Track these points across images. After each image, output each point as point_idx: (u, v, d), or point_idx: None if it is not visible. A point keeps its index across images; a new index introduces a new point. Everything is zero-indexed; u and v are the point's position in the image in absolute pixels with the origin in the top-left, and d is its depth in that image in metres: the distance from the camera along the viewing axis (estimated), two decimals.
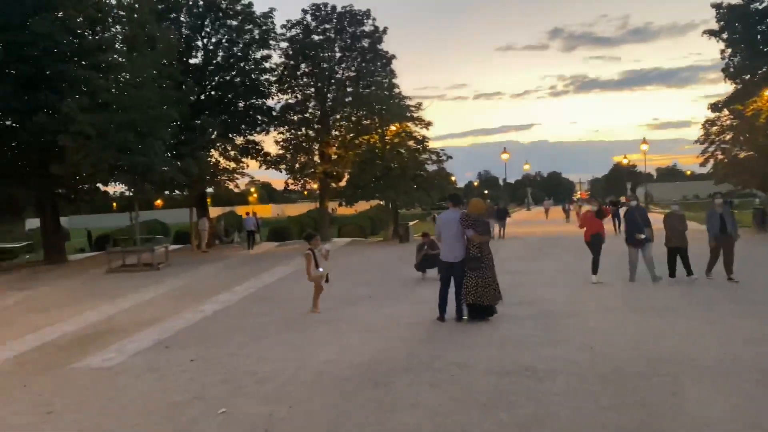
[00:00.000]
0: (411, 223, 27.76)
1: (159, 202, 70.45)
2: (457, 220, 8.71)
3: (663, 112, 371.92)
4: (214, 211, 65.14)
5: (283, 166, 29.63)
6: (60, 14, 20.33)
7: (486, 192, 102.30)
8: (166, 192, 27.04)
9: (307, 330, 8.74)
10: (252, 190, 76.45)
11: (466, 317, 8.75)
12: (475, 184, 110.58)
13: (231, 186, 30.01)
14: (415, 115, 27.47)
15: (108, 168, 18.94)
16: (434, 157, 28.17)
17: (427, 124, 27.51)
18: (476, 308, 8.68)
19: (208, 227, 25.96)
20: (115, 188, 28.58)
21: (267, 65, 29.15)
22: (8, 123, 20.78)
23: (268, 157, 29.83)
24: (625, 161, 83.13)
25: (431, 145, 28.06)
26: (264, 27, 28.53)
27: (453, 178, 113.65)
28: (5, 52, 19.78)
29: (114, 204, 69.97)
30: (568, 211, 39.18)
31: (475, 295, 8.60)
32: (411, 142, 27.57)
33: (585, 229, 12.46)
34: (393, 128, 27.34)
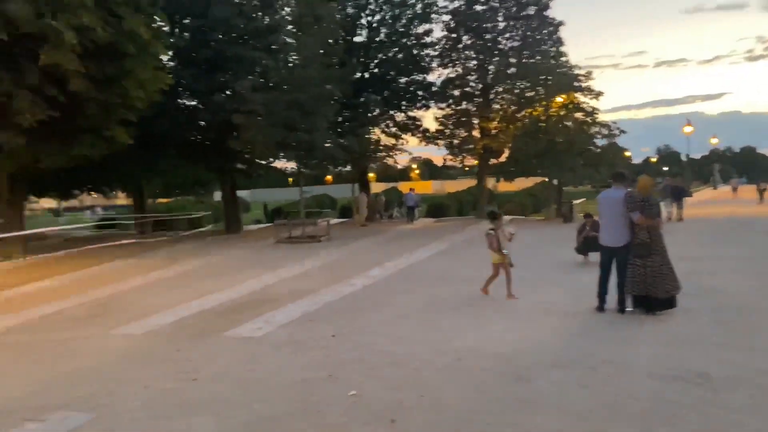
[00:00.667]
0: (576, 202, 26.10)
1: (329, 177, 74.15)
2: (620, 200, 7.74)
3: None
4: (378, 187, 67.14)
5: (442, 142, 29.36)
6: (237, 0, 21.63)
7: (665, 169, 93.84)
8: (329, 167, 28.05)
9: (452, 312, 8.36)
10: (413, 166, 77.57)
11: (629, 309, 7.79)
12: (653, 160, 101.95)
13: (390, 162, 30.40)
14: (584, 85, 25.64)
15: (275, 144, 19.96)
16: (605, 131, 26.14)
17: (597, 95, 25.57)
18: (642, 300, 7.69)
19: (366, 202, 26.55)
20: (285, 164, 30.34)
21: (428, 39, 28.95)
22: (193, 104, 22.70)
23: (428, 133, 29.76)
24: None
25: (602, 117, 26.11)
26: (426, 0, 28.29)
27: (627, 154, 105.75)
28: (192, 38, 21.61)
29: (290, 179, 75.07)
30: (763, 190, 34.33)
31: (642, 285, 7.60)
32: (579, 115, 25.79)
33: None
34: (559, 100, 25.77)
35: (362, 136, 24.23)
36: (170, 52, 21.55)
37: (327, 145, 20.64)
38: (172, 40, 20.01)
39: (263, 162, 24.88)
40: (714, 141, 72.26)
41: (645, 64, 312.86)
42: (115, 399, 5.20)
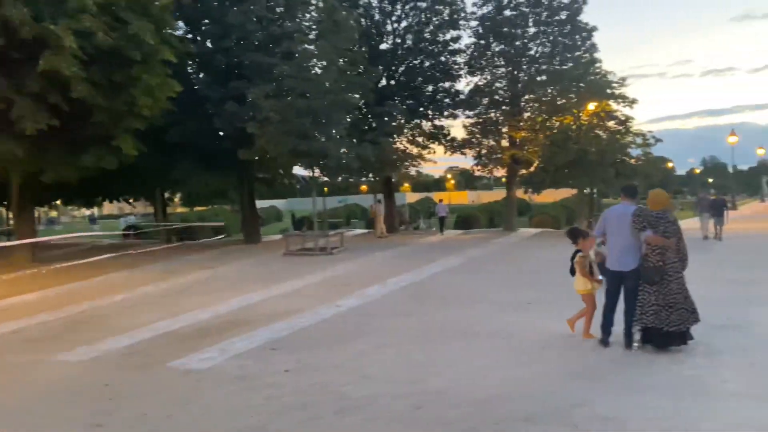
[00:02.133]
0: None
1: (364, 187, 73.59)
2: (629, 217, 6.62)
3: None
4: (412, 197, 66.11)
5: (469, 151, 28.28)
6: (252, 7, 21.01)
7: (710, 181, 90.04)
8: (348, 177, 27.15)
9: (441, 342, 7.33)
10: (448, 176, 76.12)
11: (637, 344, 6.64)
12: (696, 171, 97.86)
13: (413, 172, 29.52)
14: (617, 92, 24.17)
15: (289, 152, 19.21)
16: (639, 141, 24.60)
17: (631, 103, 24.07)
18: (653, 334, 6.53)
19: (383, 212, 25.54)
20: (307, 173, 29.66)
21: (456, 46, 27.98)
22: (208, 111, 22.17)
23: (455, 142, 28.74)
24: None
25: (647, 127, 24.90)
26: (454, 6, 27.34)
27: (670, 165, 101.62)
28: (212, 44, 21.14)
29: (325, 188, 74.90)
30: None
31: (653, 316, 6.46)
32: (612, 123, 24.38)
33: None
34: (591, 108, 24.37)
35: (384, 145, 23.27)
36: (189, 60, 21.12)
37: (342, 152, 19.76)
38: (192, 46, 19.53)
39: (281, 171, 24.20)
40: (760, 152, 67.93)
41: (691, 73, 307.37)
42: None
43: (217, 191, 32.68)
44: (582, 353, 6.65)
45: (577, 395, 5.26)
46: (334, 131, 19.80)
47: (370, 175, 26.73)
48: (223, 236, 23.97)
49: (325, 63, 20.39)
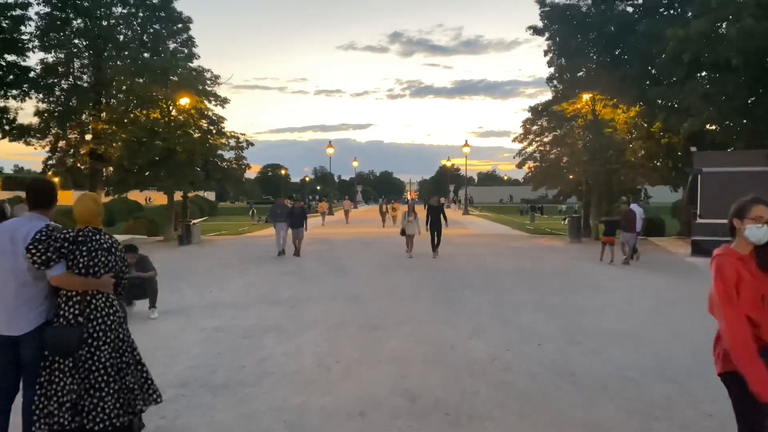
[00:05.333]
0: (196, 221, 21.91)
1: None
2: (21, 242, 3.63)
3: (487, 122, 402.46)
4: (2, 195, 53.71)
5: (39, 142, 22.60)
6: None
7: (319, 188, 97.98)
8: None
9: None
10: (50, 172, 64.33)
11: None
12: (308, 179, 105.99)
13: None
14: (210, 89, 21.90)
15: None
16: (234, 143, 22.82)
17: (223, 102, 22.08)
18: None
19: None
20: None
21: (20, 13, 21.94)
22: None
23: (24, 129, 22.69)
24: (449, 164, 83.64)
25: (266, 136, 23.36)
26: None
27: (284, 172, 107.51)
28: None
29: None
30: (384, 213, 31.75)
31: (70, 411, 3.58)
32: (203, 122, 21.98)
33: None
34: (183, 103, 21.50)
35: None
36: None
37: None
38: None
39: None
40: (355, 164, 76.36)
41: (307, 90, 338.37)
42: None
43: None
44: None
45: None
46: None
47: None
48: None
49: None
